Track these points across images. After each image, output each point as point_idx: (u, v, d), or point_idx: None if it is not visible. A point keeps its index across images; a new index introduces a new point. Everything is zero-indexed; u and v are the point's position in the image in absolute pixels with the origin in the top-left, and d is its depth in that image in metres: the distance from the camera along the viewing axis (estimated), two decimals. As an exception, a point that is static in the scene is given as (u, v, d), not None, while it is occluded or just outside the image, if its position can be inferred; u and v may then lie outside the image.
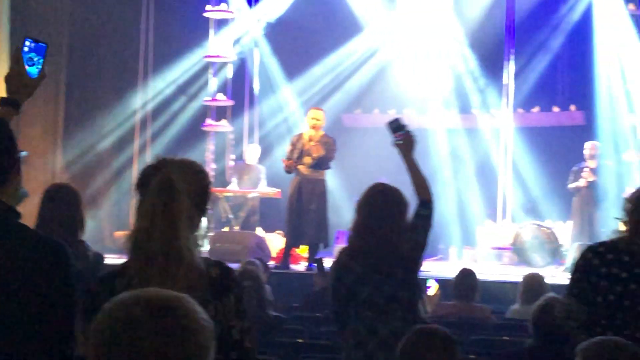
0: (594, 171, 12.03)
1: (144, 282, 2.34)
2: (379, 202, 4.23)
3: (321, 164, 10.37)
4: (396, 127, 4.44)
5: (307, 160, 10.31)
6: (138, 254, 2.44)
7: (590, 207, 12.04)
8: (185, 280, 2.36)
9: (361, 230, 4.24)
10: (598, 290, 3.48)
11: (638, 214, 3.51)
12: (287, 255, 10.76)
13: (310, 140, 10.29)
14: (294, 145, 10.45)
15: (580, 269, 3.59)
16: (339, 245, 13.00)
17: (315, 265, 7.19)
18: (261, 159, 13.38)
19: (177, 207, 2.41)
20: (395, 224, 4.19)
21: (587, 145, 12.24)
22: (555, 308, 3.75)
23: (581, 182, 12.01)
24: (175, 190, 2.42)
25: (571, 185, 12.19)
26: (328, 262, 7.25)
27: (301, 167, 10.38)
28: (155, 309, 1.43)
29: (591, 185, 12.01)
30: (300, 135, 10.53)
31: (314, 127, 10.33)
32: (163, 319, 1.42)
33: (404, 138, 4.43)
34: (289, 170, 10.45)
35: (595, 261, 3.53)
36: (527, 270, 7.88)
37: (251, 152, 13.03)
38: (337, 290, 4.29)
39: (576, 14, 14.21)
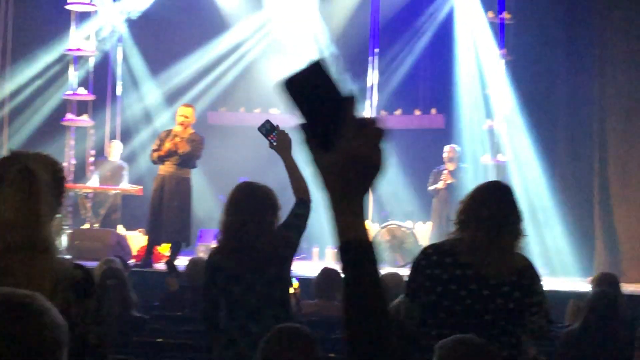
0: (452, 174, 12.34)
1: (7, 276, 2.25)
2: (246, 201, 4.22)
3: (186, 161, 10.22)
4: (267, 129, 4.44)
5: (173, 157, 10.15)
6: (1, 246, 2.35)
7: (448, 208, 12.34)
8: (48, 277, 2.29)
9: (231, 230, 4.23)
10: (424, 290, 3.58)
11: (465, 213, 3.62)
12: (149, 253, 10.60)
13: (177, 136, 10.14)
14: (161, 140, 10.28)
15: (412, 269, 3.71)
16: (202, 244, 12.93)
17: (166, 267, 7.09)
18: (123, 156, 13.16)
19: (39, 197, 2.35)
20: (265, 221, 4.19)
21: (446, 148, 12.57)
22: (401, 308, 3.84)
23: (440, 184, 12.31)
24: (37, 179, 2.36)
25: (430, 187, 12.49)
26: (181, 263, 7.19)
27: (166, 164, 10.22)
28: (9, 307, 1.39)
29: (449, 187, 12.32)
30: (168, 132, 10.36)
31: (182, 124, 10.18)
32: (17, 316, 1.39)
33: (278, 139, 4.43)
34: (155, 160, 10.28)
35: (422, 262, 3.65)
36: (387, 270, 8.00)
37: (113, 148, 12.81)
38: (208, 290, 4.27)
39: (438, 20, 14.56)
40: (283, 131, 4.45)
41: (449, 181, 12.24)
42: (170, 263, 7.13)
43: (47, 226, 2.35)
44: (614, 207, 12.06)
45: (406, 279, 6.93)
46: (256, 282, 4.18)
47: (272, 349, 3.03)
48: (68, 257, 2.88)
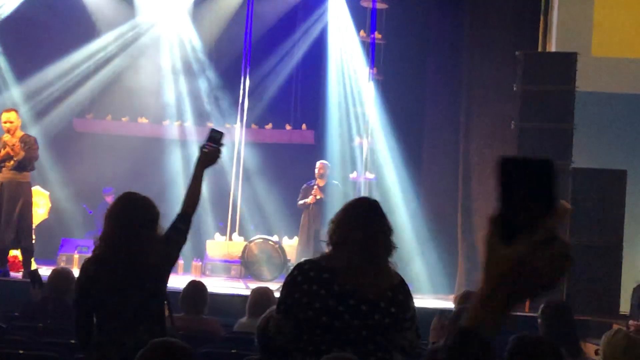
0: (322, 189, 12.43)
1: None
2: (127, 212, 4.14)
3: (25, 165, 10.01)
4: (215, 137, 4.41)
5: (9, 163, 9.92)
6: None
7: (316, 224, 12.43)
8: None
9: (109, 241, 4.14)
10: (300, 306, 3.58)
11: (337, 232, 3.66)
12: (3, 261, 10.26)
13: (9, 142, 9.89)
14: None
15: (286, 286, 3.69)
16: (64, 254, 12.59)
17: (30, 277, 6.86)
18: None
19: None
20: (145, 234, 4.12)
21: (317, 164, 12.65)
22: (270, 323, 3.83)
23: (309, 199, 12.38)
24: None
25: (300, 202, 12.53)
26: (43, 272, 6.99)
27: (3, 170, 9.99)
28: None
29: (319, 203, 12.40)
30: (1, 138, 10.11)
31: (8, 131, 9.95)
32: None
33: (211, 151, 4.37)
34: None
35: (299, 278, 3.63)
36: (256, 284, 8.00)
37: None
38: (82, 301, 4.15)
39: (311, 36, 14.68)
40: (220, 151, 4.40)
41: (318, 196, 12.32)
42: (32, 273, 6.90)
43: None
44: (476, 226, 12.39)
45: (277, 294, 6.92)
46: (132, 295, 4.10)
47: (148, 363, 2.96)
48: None
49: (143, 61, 15.10)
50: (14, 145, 9.86)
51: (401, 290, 3.65)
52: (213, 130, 4.49)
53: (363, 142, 13.21)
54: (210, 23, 15.02)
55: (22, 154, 9.84)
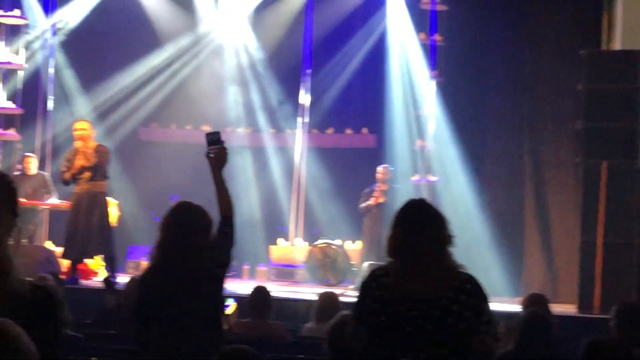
0: (384, 193, 12.43)
1: None
2: (183, 221, 4.21)
3: (97, 174, 10.29)
4: (213, 139, 4.45)
5: (84, 173, 10.24)
6: None
7: (379, 228, 12.45)
8: (7, 296, 2.23)
9: (165, 248, 4.21)
10: (373, 312, 3.58)
11: (394, 244, 3.65)
12: (74, 269, 10.49)
13: (82, 152, 10.21)
14: (68, 160, 10.38)
15: (361, 291, 3.71)
16: (132, 261, 12.79)
17: (104, 284, 7.02)
18: (54, 171, 12.97)
19: None
20: (199, 241, 4.18)
21: (379, 169, 12.66)
22: (347, 328, 3.84)
23: (371, 201, 12.39)
24: None
25: (362, 206, 12.55)
26: (122, 279, 7.15)
27: (80, 182, 10.30)
28: None
29: (381, 207, 12.41)
30: (74, 150, 10.44)
31: (81, 139, 10.26)
32: None
33: (217, 152, 4.43)
34: (68, 180, 10.33)
35: (372, 284, 3.65)
36: (320, 289, 8.03)
37: (30, 162, 12.44)
38: (141, 309, 4.23)
39: (371, 40, 14.69)
40: (225, 149, 4.45)
41: (380, 200, 12.33)
42: (106, 280, 7.06)
43: (3, 245, 2.29)
44: (544, 227, 12.28)
45: (344, 298, 6.97)
46: (189, 301, 4.16)
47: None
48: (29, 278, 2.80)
49: (205, 69, 15.27)
50: (86, 154, 10.09)
51: (476, 294, 3.60)
52: (208, 134, 4.52)
53: (425, 144, 13.17)
54: (270, 29, 15.12)
55: (94, 160, 10.14)
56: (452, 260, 3.63)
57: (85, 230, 10.25)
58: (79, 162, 10.15)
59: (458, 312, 3.52)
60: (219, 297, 4.30)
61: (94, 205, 10.30)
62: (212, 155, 4.44)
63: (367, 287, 3.67)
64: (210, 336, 4.14)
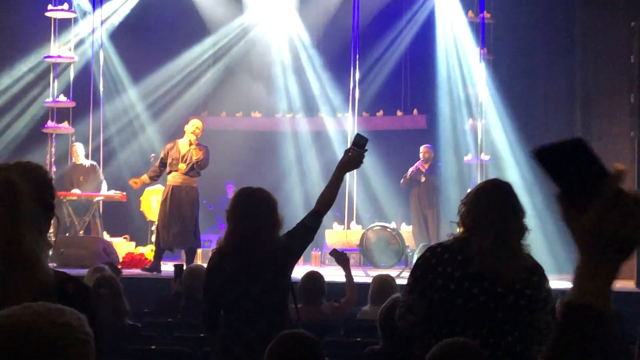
0: (427, 172, 12.51)
1: None
2: (247, 206, 4.24)
3: (197, 168, 10.62)
4: (360, 142, 4.49)
5: (182, 166, 10.55)
6: None
7: (424, 209, 12.52)
8: (31, 290, 2.22)
9: (231, 232, 4.25)
10: (434, 288, 3.60)
11: (471, 216, 3.64)
12: (158, 259, 10.67)
13: (190, 145, 10.56)
14: (167, 152, 10.70)
15: (420, 267, 3.73)
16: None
17: (175, 270, 7.12)
18: (106, 162, 13.14)
19: (21, 210, 2.27)
20: (264, 226, 4.20)
21: (422, 148, 12.73)
22: (397, 304, 3.84)
23: (408, 173, 12.53)
24: (18, 192, 2.28)
25: (401, 182, 12.69)
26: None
27: (174, 174, 10.62)
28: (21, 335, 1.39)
29: (424, 186, 12.46)
30: (175, 143, 10.79)
31: (194, 134, 10.60)
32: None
33: (356, 155, 4.47)
34: (176, 171, 10.62)
35: (433, 260, 3.67)
36: (376, 272, 8.01)
37: (77, 151, 12.60)
38: (208, 291, 4.30)
39: (419, 20, 14.60)
40: (363, 156, 4.50)
41: (419, 178, 12.48)
42: (177, 266, 7.20)
43: (28, 238, 2.28)
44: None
45: (400, 280, 6.94)
46: (252, 287, 4.19)
47: (279, 355, 3.03)
48: (61, 270, 2.80)
49: (253, 57, 15.32)
50: (191, 150, 10.48)
51: (536, 272, 3.63)
52: (358, 135, 4.56)
53: (477, 123, 13.07)
54: (317, 15, 15.11)
55: (200, 155, 10.51)
56: (524, 244, 3.66)
57: (178, 222, 10.57)
58: (194, 156, 10.48)
59: (519, 291, 3.53)
60: (284, 283, 4.32)
61: (186, 198, 10.62)
62: (350, 153, 4.47)
63: (427, 264, 3.66)
64: (276, 321, 4.17)
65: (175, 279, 6.93)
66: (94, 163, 12.59)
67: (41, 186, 2.53)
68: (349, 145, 4.57)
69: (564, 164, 1.38)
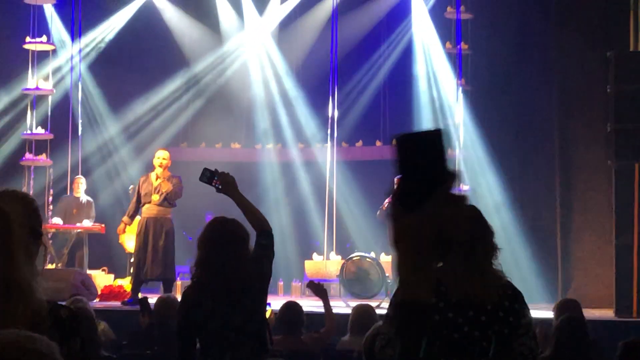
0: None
1: None
2: (219, 236, 4.24)
3: (169, 199, 10.66)
4: (208, 177, 4.56)
5: (155, 197, 10.60)
6: None
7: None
8: (26, 318, 2.23)
9: (205, 265, 4.23)
10: None
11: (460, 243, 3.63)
12: (136, 291, 10.62)
13: (158, 178, 10.63)
14: (140, 185, 10.80)
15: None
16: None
17: (140, 304, 7.04)
18: (85, 193, 13.12)
19: (13, 238, 2.26)
20: (237, 255, 4.20)
21: (395, 180, 12.67)
22: (378, 337, 3.82)
23: (384, 204, 12.54)
24: (10, 221, 2.27)
25: (377, 214, 12.66)
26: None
27: (148, 206, 10.68)
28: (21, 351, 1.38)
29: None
30: (148, 176, 10.87)
31: (160, 166, 10.65)
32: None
33: (221, 182, 4.52)
34: (144, 204, 10.69)
35: None
36: (355, 302, 8.00)
37: (79, 184, 12.65)
38: (185, 327, 4.25)
39: (397, 51, 14.69)
40: (224, 173, 4.58)
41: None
42: (141, 301, 7.10)
43: (22, 267, 2.28)
44: (575, 233, 12.16)
45: (380, 310, 6.92)
46: (233, 316, 4.18)
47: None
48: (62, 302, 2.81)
49: (232, 88, 15.35)
50: (162, 181, 10.57)
51: (517, 299, 3.61)
52: (201, 178, 4.59)
53: (455, 153, 13.12)
54: (295, 46, 15.17)
55: (170, 187, 10.57)
56: (495, 267, 3.63)
57: (153, 254, 10.61)
58: (164, 187, 10.56)
59: (503, 318, 3.51)
60: (261, 310, 4.31)
61: (162, 229, 10.67)
62: (220, 187, 4.53)
63: None
64: (254, 349, 4.15)
65: (142, 313, 6.85)
66: (91, 200, 12.62)
67: (30, 214, 2.53)
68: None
69: (414, 153, 1.45)
